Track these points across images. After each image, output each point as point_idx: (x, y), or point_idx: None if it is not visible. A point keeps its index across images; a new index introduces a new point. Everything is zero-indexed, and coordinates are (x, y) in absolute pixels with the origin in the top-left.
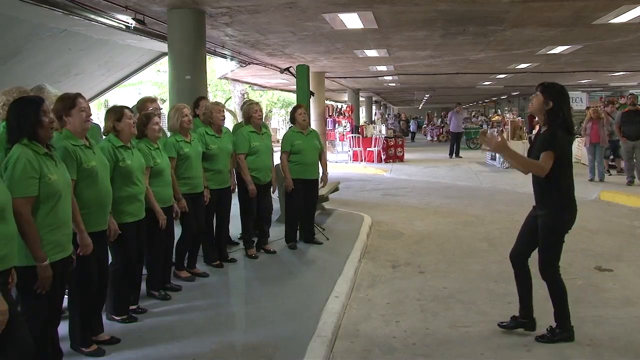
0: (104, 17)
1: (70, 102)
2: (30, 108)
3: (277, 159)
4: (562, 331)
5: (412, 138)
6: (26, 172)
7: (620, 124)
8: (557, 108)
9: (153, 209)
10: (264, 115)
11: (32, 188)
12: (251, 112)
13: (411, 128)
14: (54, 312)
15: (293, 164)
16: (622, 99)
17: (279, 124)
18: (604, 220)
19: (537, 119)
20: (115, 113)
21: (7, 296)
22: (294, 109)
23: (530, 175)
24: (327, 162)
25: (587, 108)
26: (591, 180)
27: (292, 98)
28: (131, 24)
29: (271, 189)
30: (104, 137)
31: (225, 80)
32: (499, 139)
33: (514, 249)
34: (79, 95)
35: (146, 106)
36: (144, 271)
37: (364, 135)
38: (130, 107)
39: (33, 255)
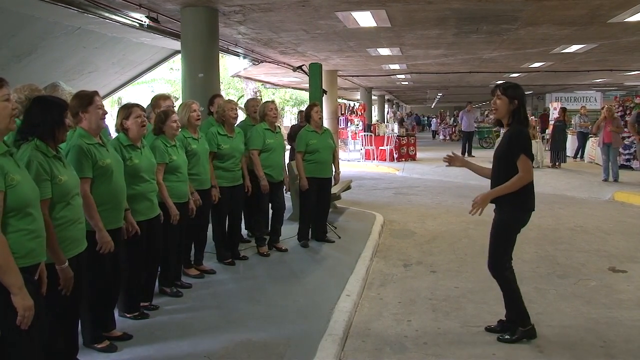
0: (118, 15)
1: (88, 99)
2: (56, 108)
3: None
4: (522, 330)
5: (433, 136)
6: (39, 175)
7: (635, 124)
8: (520, 106)
9: (166, 204)
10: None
11: (46, 190)
12: (267, 110)
13: (432, 127)
14: (68, 306)
15: (308, 162)
16: (638, 98)
17: (290, 122)
18: (618, 221)
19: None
20: (124, 111)
21: (31, 292)
22: (310, 107)
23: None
24: (340, 161)
25: (604, 107)
26: (605, 180)
27: (305, 96)
28: (145, 22)
29: (284, 188)
30: (112, 136)
31: (238, 78)
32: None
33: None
34: (96, 93)
35: (159, 104)
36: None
37: (377, 134)
38: (145, 106)
39: (53, 257)
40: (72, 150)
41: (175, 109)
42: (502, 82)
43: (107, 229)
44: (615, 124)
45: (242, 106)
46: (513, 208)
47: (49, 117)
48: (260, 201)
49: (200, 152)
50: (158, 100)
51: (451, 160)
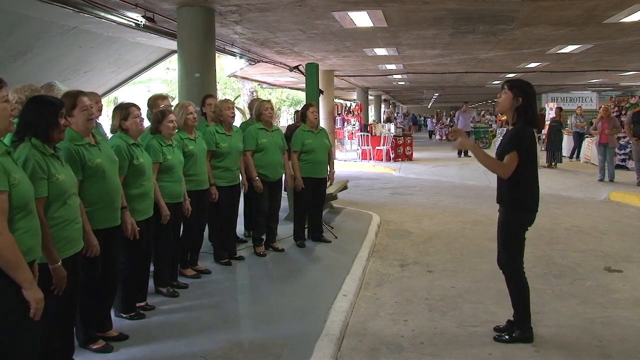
0: (114, 15)
1: (72, 102)
2: (50, 108)
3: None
4: (520, 332)
5: (430, 136)
6: (35, 173)
7: (631, 124)
8: (526, 104)
9: (158, 204)
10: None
11: (42, 189)
12: (262, 110)
13: (428, 127)
14: (64, 307)
15: (303, 162)
16: (633, 98)
17: (287, 122)
18: (613, 221)
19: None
20: (122, 111)
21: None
22: (306, 107)
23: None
24: (336, 161)
25: (601, 107)
26: (601, 180)
27: (301, 96)
28: (141, 21)
29: (282, 187)
30: (108, 135)
31: (235, 78)
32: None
33: (498, 254)
34: (80, 93)
35: (157, 103)
36: (152, 268)
37: (373, 134)
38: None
39: (47, 256)
40: (61, 153)
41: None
42: (513, 78)
43: (100, 228)
44: (612, 124)
45: (240, 107)
46: (514, 208)
47: (42, 118)
48: (258, 201)
49: (197, 152)
50: (156, 100)
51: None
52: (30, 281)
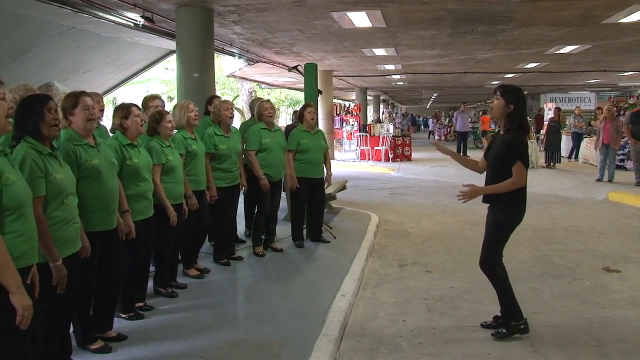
0: (112, 15)
1: (73, 101)
2: (35, 104)
3: None
4: (515, 323)
5: (429, 136)
6: (33, 172)
7: (629, 124)
8: (517, 111)
9: (164, 205)
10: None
11: (40, 187)
12: (262, 110)
13: (429, 127)
14: (61, 307)
15: (298, 162)
16: (632, 98)
17: (286, 122)
18: (612, 221)
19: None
20: (123, 110)
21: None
22: (304, 107)
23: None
24: (335, 161)
25: (598, 108)
26: (599, 180)
27: (300, 96)
28: (139, 21)
29: (282, 187)
30: (111, 135)
31: (233, 78)
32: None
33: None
34: (82, 93)
35: (148, 104)
36: (151, 268)
37: (372, 134)
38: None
39: (47, 254)
40: (60, 152)
41: (168, 108)
42: (506, 84)
43: (95, 231)
44: (615, 125)
45: (239, 107)
46: (507, 210)
47: (30, 114)
48: (261, 201)
49: (199, 152)
50: (147, 101)
51: (440, 149)
52: (17, 285)
